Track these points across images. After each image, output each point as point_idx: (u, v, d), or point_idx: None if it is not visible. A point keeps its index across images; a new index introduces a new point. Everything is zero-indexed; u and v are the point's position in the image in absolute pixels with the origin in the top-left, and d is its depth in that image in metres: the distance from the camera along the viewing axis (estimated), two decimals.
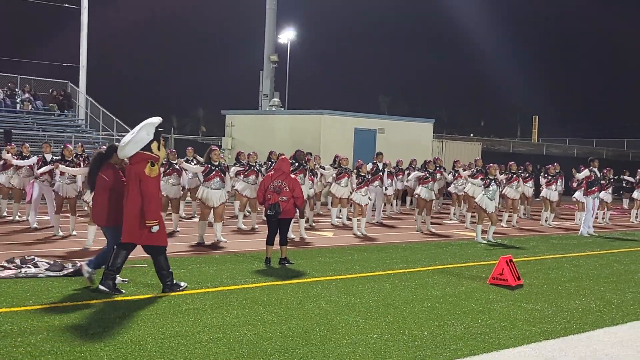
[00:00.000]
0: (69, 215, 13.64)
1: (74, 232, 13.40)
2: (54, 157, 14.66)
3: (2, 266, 9.61)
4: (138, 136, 8.32)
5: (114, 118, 28.86)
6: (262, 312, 7.66)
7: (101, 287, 8.37)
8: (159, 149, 8.49)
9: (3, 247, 11.72)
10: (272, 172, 11.31)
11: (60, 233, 13.35)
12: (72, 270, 9.58)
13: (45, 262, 9.86)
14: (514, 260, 10.10)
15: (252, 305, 7.97)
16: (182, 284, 8.83)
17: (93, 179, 8.87)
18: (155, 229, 8.36)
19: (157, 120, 8.54)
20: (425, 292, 9.09)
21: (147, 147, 8.36)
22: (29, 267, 9.59)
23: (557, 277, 10.79)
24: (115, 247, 8.57)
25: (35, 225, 14.51)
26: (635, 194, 23.02)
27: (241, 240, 13.75)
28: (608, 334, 7.33)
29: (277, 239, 10.93)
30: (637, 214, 22.79)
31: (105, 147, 9.60)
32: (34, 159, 15.46)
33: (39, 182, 14.53)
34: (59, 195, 13.51)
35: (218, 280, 9.45)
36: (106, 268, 8.47)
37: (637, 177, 23.29)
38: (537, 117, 55.58)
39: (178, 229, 14.52)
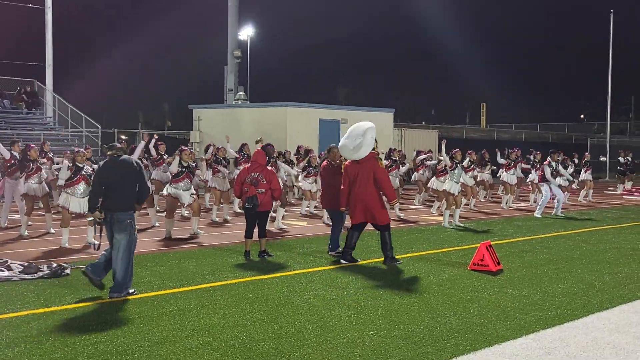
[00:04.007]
0: (43, 213, 12.83)
1: (52, 230, 12.50)
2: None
3: None
4: (367, 140, 9.66)
5: (83, 115, 27.59)
6: (250, 311, 6.97)
7: (342, 261, 9.78)
8: (377, 146, 10.16)
9: None
10: (249, 165, 10.60)
11: (26, 233, 12.38)
12: (47, 271, 8.76)
13: (19, 265, 8.99)
14: None
15: (238, 304, 7.27)
16: (399, 260, 9.76)
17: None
18: (397, 206, 10.06)
19: (373, 124, 10.01)
20: (410, 282, 8.51)
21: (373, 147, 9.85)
22: (2, 270, 8.72)
23: (533, 260, 10.33)
24: (350, 229, 10.02)
25: (5, 225, 13.53)
26: (583, 176, 22.94)
27: (217, 233, 12.99)
28: (601, 320, 6.83)
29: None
30: (586, 194, 22.72)
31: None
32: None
33: (9, 181, 13.54)
34: (28, 196, 12.62)
35: (200, 276, 8.72)
36: (345, 247, 9.92)
37: (584, 160, 23.24)
38: (485, 104, 55.63)
39: (157, 224, 13.67)
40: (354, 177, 9.69)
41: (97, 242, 8.43)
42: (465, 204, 18.34)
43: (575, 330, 6.42)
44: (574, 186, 27.04)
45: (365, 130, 9.67)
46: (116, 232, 7.58)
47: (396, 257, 9.88)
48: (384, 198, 10.04)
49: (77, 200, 11.10)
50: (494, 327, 6.44)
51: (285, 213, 15.84)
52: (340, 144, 10.11)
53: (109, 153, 7.94)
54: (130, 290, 7.69)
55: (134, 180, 7.69)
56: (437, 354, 5.61)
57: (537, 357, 5.61)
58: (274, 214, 13.67)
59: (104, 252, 7.78)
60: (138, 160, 8.05)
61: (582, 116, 73.79)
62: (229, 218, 15.05)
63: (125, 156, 7.88)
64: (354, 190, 9.72)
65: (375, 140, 9.99)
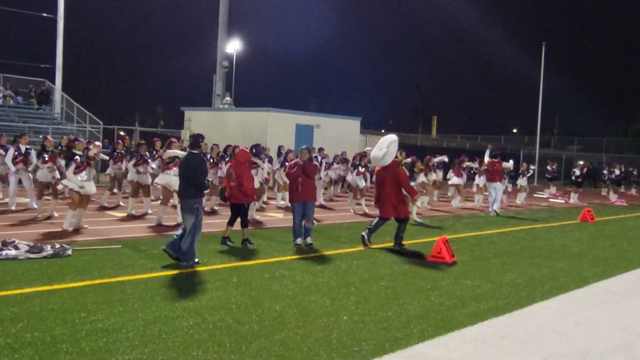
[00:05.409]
0: (49, 198, 12.22)
1: (55, 214, 11.91)
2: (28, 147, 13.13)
3: None
4: (390, 150, 9.98)
5: (87, 112, 26.74)
6: (234, 294, 6.59)
7: (396, 247, 10.05)
8: (400, 154, 10.63)
9: None
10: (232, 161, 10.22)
11: (40, 216, 11.82)
12: (51, 252, 8.25)
13: (25, 245, 8.46)
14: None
15: (224, 287, 6.89)
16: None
17: None
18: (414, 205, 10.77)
19: (396, 137, 10.24)
20: (377, 271, 8.21)
21: (395, 155, 10.16)
22: (10, 250, 8.18)
23: (481, 253, 10.13)
24: (379, 219, 10.29)
25: (13, 208, 12.89)
26: (519, 182, 23.00)
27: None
28: (545, 308, 6.63)
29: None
30: (521, 196, 22.77)
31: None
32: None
33: (16, 170, 12.92)
34: (40, 182, 12.06)
35: None
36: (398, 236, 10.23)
37: (521, 169, 23.33)
38: (435, 117, 55.78)
39: (150, 211, 13.15)
40: (382, 180, 10.14)
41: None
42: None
43: (524, 318, 6.20)
44: (509, 189, 27.32)
45: (389, 143, 10.02)
46: (186, 214, 7.90)
47: (374, 243, 10.20)
48: (406, 196, 10.45)
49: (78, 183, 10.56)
50: (452, 314, 6.18)
51: (264, 206, 15.49)
52: (371, 155, 10.45)
53: (188, 149, 8.41)
54: (196, 260, 7.98)
55: (192, 171, 7.87)
56: (406, 339, 5.32)
57: (493, 342, 5.36)
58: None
59: (175, 234, 8.03)
60: (202, 157, 8.15)
61: (514, 130, 74.59)
62: (215, 208, 14.59)
63: (193, 152, 8.11)
64: (384, 190, 10.13)
65: (399, 150, 10.37)
